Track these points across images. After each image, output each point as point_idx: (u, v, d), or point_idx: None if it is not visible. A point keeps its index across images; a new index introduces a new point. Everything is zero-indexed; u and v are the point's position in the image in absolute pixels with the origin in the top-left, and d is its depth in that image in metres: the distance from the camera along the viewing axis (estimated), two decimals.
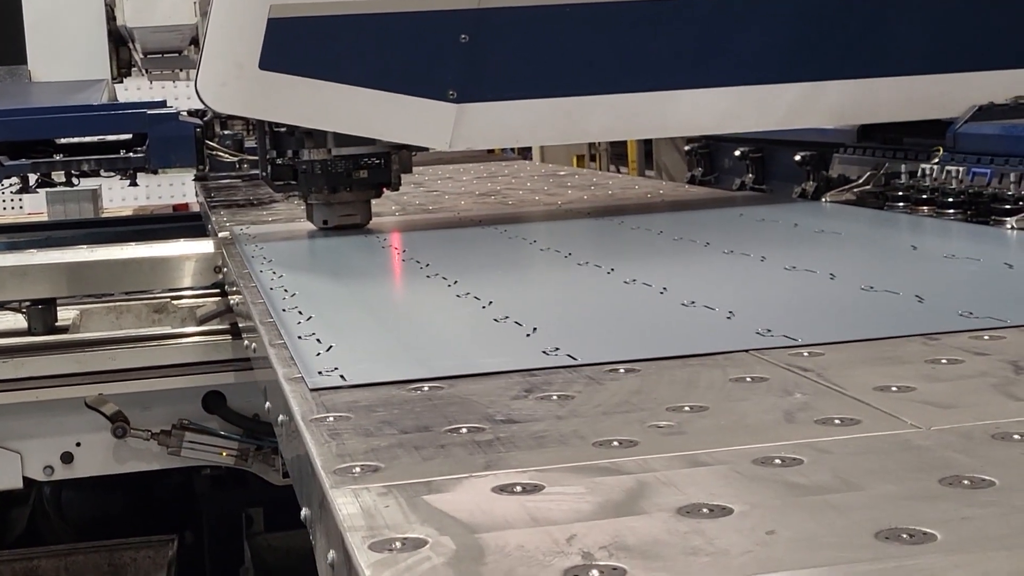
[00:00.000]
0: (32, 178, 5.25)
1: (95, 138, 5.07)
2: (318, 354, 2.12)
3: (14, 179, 5.12)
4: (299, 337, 2.28)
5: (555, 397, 1.76)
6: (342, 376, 1.94)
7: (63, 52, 6.15)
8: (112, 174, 5.19)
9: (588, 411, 1.69)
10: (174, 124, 4.94)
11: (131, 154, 4.95)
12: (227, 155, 5.06)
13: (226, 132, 5.18)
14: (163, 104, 5.19)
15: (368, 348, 2.22)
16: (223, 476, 4.47)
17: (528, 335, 2.20)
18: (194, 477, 4.56)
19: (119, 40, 6.52)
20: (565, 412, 1.68)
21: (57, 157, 4.94)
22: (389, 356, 2.13)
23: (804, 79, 4.02)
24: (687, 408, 1.67)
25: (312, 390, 1.88)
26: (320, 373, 1.97)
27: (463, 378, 1.90)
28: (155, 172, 5.17)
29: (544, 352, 2.03)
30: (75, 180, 5.16)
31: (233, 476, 4.31)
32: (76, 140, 4.99)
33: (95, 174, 5.15)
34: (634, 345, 2.09)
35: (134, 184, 5.29)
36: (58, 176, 5.11)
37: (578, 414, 1.67)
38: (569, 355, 2.00)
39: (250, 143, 5.09)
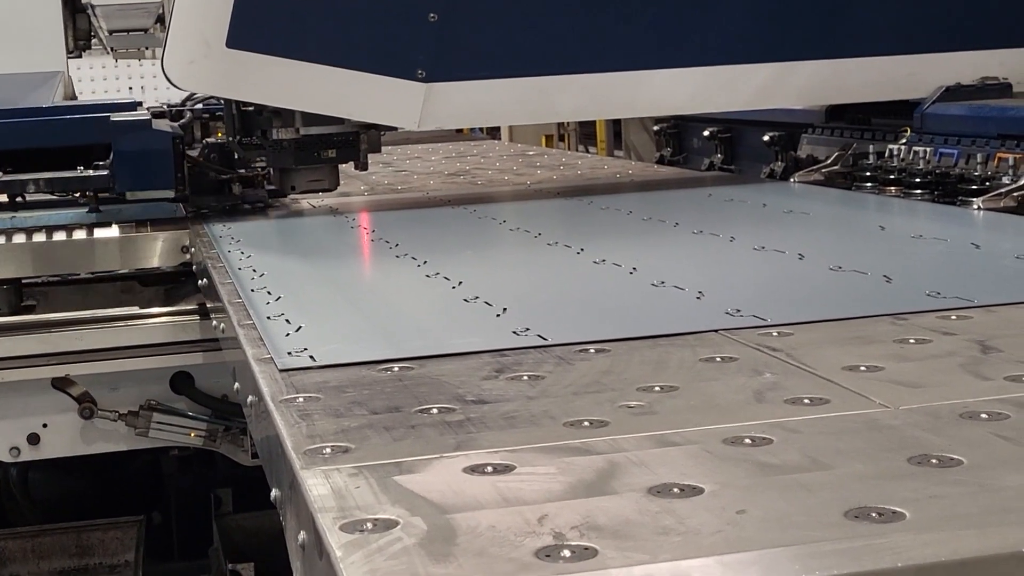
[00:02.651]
0: None
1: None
2: (287, 335, 2.11)
3: None
4: (268, 318, 2.27)
5: (525, 377, 1.76)
6: (311, 357, 1.94)
7: (10, 40, 5.25)
8: (65, 195, 4.05)
9: (558, 391, 1.69)
10: (146, 134, 3.83)
11: (91, 171, 3.85)
12: (215, 172, 4.04)
13: (210, 140, 4.18)
14: (133, 106, 4.06)
15: (337, 328, 2.21)
16: (191, 457, 4.46)
17: (498, 315, 2.20)
18: (161, 458, 4.54)
19: (75, 8, 5.77)
20: (536, 392, 1.68)
21: None
22: (359, 336, 2.13)
23: (773, 59, 4.03)
24: (657, 388, 1.67)
25: (282, 371, 1.87)
26: (289, 354, 1.96)
27: (433, 358, 1.90)
28: (121, 197, 3.91)
29: (514, 332, 2.03)
30: (20, 198, 4.03)
31: (201, 457, 4.30)
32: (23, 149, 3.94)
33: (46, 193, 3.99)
34: (604, 325, 2.09)
35: (96, 211, 3.97)
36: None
37: (549, 394, 1.67)
38: (539, 335, 2.00)
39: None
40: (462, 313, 2.27)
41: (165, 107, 4.94)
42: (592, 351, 1.91)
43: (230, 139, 4.01)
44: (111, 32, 6.99)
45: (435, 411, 1.61)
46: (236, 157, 4.06)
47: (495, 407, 1.62)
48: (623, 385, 1.70)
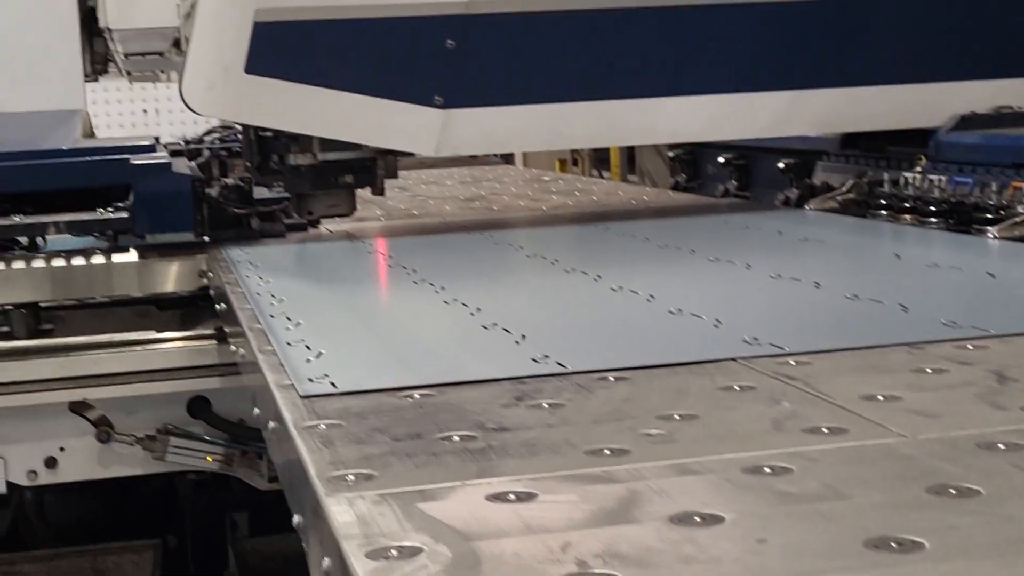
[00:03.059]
0: None
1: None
2: (308, 361, 2.13)
3: None
4: (288, 343, 2.29)
5: (546, 405, 1.78)
6: (332, 383, 1.95)
7: (28, 76, 5.08)
8: (85, 236, 4.03)
9: (579, 419, 1.70)
10: (166, 177, 3.87)
11: (111, 212, 3.84)
12: (235, 209, 4.01)
13: (228, 181, 4.16)
14: (152, 148, 4.05)
15: (358, 355, 2.23)
16: (206, 480, 4.47)
17: (517, 342, 2.21)
18: (177, 481, 4.55)
19: (93, 32, 5.70)
20: (556, 420, 1.70)
21: (16, 218, 3.81)
22: (379, 363, 2.15)
23: (788, 87, 4.04)
24: (677, 416, 1.69)
25: (303, 397, 1.89)
26: (310, 380, 1.98)
27: (454, 385, 1.91)
28: (141, 238, 3.94)
29: (534, 360, 2.05)
30: (41, 241, 4.01)
31: (217, 480, 4.31)
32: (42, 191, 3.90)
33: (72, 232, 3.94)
34: (623, 353, 2.10)
35: (115, 250, 3.94)
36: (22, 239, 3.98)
37: (569, 422, 1.69)
38: (559, 363, 2.01)
39: (260, 193, 4.12)
40: (481, 340, 2.29)
41: (181, 143, 4.98)
42: (611, 379, 1.92)
43: (248, 164, 4.04)
44: (127, 55, 7.02)
45: (456, 438, 1.63)
46: (254, 184, 4.08)
47: (516, 435, 1.63)
48: (643, 413, 1.71)
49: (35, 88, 4.96)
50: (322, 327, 2.47)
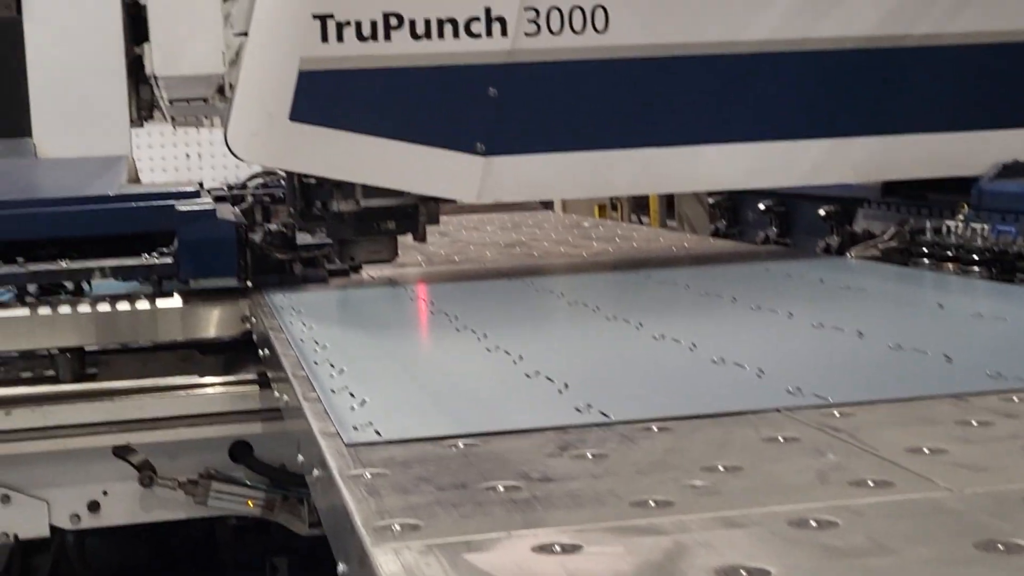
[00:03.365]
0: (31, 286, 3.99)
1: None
2: (352, 408, 2.14)
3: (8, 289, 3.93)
4: (332, 391, 2.30)
5: (590, 455, 1.78)
6: (377, 432, 1.96)
7: (75, 122, 5.07)
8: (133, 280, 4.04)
9: (623, 470, 1.70)
10: (210, 223, 3.88)
11: (155, 258, 3.87)
12: (278, 255, 4.04)
13: (271, 226, 4.18)
14: (196, 194, 4.08)
15: (401, 403, 2.24)
16: (247, 525, 4.48)
17: (560, 391, 2.22)
18: (217, 526, 4.56)
19: (139, 79, 5.69)
20: (600, 471, 1.70)
21: (63, 263, 3.84)
22: (423, 411, 2.15)
23: (828, 135, 4.05)
24: (721, 468, 1.68)
25: (348, 445, 1.90)
26: (355, 428, 1.99)
27: (497, 435, 1.92)
28: (185, 283, 3.94)
29: (577, 409, 2.05)
30: (86, 286, 4.07)
31: (257, 525, 4.32)
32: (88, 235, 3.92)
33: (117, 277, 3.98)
34: (666, 402, 2.11)
35: (159, 295, 3.97)
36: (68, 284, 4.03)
37: (613, 473, 1.69)
38: (602, 412, 2.02)
39: (302, 239, 4.17)
40: (524, 388, 2.29)
41: (225, 188, 5.02)
42: (655, 429, 1.92)
43: (291, 210, 4.07)
44: (172, 101, 7.09)
45: (501, 488, 1.63)
46: (297, 230, 4.12)
47: (561, 485, 1.63)
48: (687, 464, 1.71)
49: (82, 134, 5.00)
50: (365, 374, 2.49)
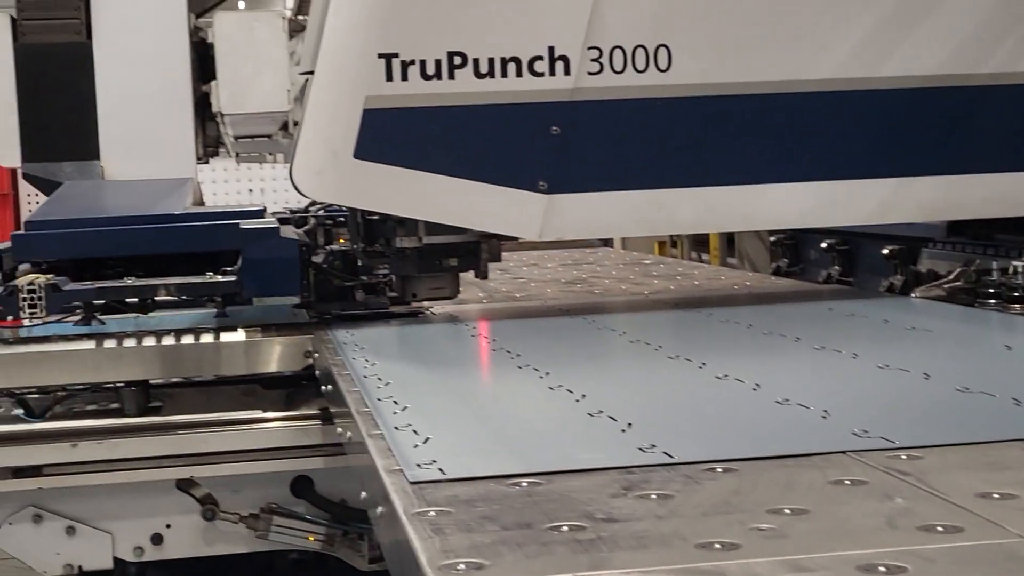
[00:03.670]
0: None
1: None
2: (415, 446, 2.15)
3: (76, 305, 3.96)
4: (396, 428, 2.31)
5: (654, 496, 1.77)
6: (441, 470, 1.97)
7: (142, 145, 5.12)
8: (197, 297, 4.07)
9: (688, 511, 1.70)
10: (274, 242, 3.89)
11: (219, 276, 3.88)
12: (339, 279, 4.13)
13: (333, 247, 4.23)
14: (260, 214, 4.10)
15: (465, 441, 2.24)
16: (307, 559, 4.48)
17: (623, 431, 2.21)
18: (276, 559, 4.57)
19: (206, 116, 5.76)
20: (665, 512, 1.69)
21: (128, 280, 3.87)
22: (486, 449, 2.16)
23: (893, 175, 4.02)
24: (787, 510, 1.67)
25: (412, 483, 1.90)
26: (419, 466, 1.99)
27: (561, 474, 1.92)
28: (248, 303, 4.00)
29: (640, 449, 2.05)
30: (151, 302, 4.06)
31: (317, 559, 4.33)
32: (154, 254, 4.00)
33: (178, 299, 4.02)
34: (730, 443, 2.10)
35: (223, 315, 4.08)
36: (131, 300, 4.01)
37: (678, 514, 1.68)
38: (666, 452, 2.01)
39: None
40: (587, 427, 2.29)
41: (288, 212, 5.04)
42: (719, 470, 1.91)
43: (354, 246, 4.10)
44: (236, 138, 7.18)
45: (565, 528, 1.63)
46: (359, 264, 4.15)
47: (625, 526, 1.63)
48: (752, 506, 1.70)
49: (147, 158, 5.07)
50: (428, 411, 2.49)
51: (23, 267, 3.88)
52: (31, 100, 5.00)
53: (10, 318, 3.69)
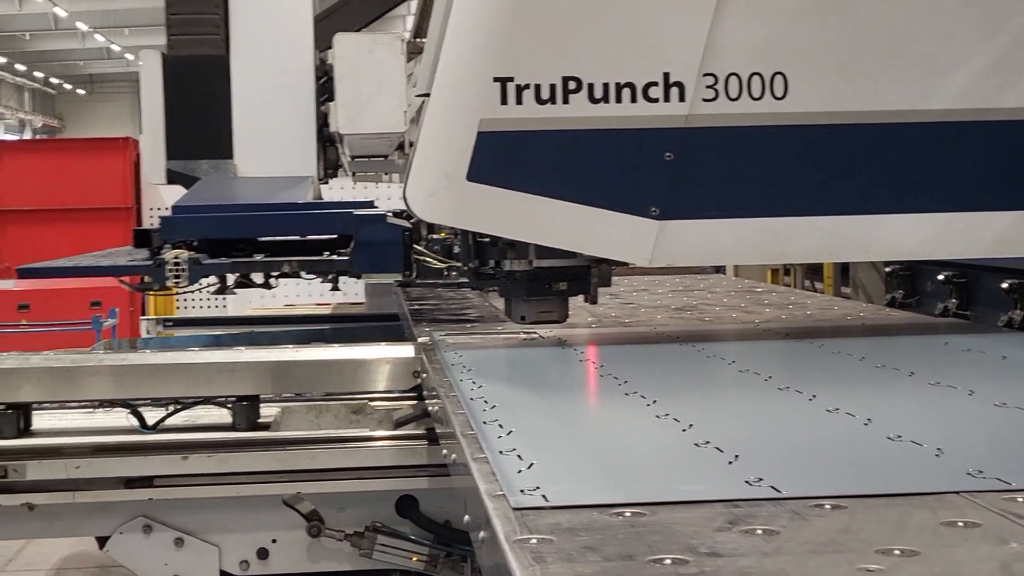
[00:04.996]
0: (231, 278, 4.65)
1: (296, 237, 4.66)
2: (519, 471, 2.14)
3: (212, 279, 4.60)
4: (500, 452, 2.31)
5: (759, 531, 1.75)
6: (544, 496, 1.96)
7: (270, 147, 5.81)
8: (312, 277, 4.65)
9: (794, 548, 1.67)
10: (381, 227, 4.43)
11: (334, 256, 4.45)
12: (436, 262, 4.54)
13: (433, 236, 4.63)
14: (370, 204, 4.72)
15: (568, 467, 2.23)
16: None
17: (730, 463, 2.18)
18: None
19: (328, 141, 6.23)
20: (771, 548, 1.67)
21: (257, 257, 4.46)
22: (590, 477, 2.14)
23: (1014, 207, 3.93)
24: (897, 552, 1.63)
25: (515, 509, 1.90)
26: (522, 492, 1.99)
27: (665, 505, 1.90)
28: (358, 277, 4.60)
29: (747, 482, 2.02)
30: (272, 282, 4.62)
31: None
32: (278, 239, 4.58)
33: (295, 275, 4.63)
34: (839, 479, 2.06)
35: (335, 289, 4.76)
36: (257, 277, 4.59)
37: (784, 551, 1.65)
38: (773, 487, 1.98)
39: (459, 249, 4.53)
40: (693, 458, 2.27)
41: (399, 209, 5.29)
42: (827, 507, 1.88)
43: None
44: (353, 157, 7.30)
45: (668, 561, 1.61)
46: (455, 250, 4.33)
47: (730, 561, 1.61)
48: (861, 546, 1.67)
49: (274, 158, 5.73)
50: (534, 436, 2.49)
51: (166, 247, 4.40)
52: (176, 105, 5.67)
53: (157, 287, 4.34)
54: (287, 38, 5.75)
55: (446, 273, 4.42)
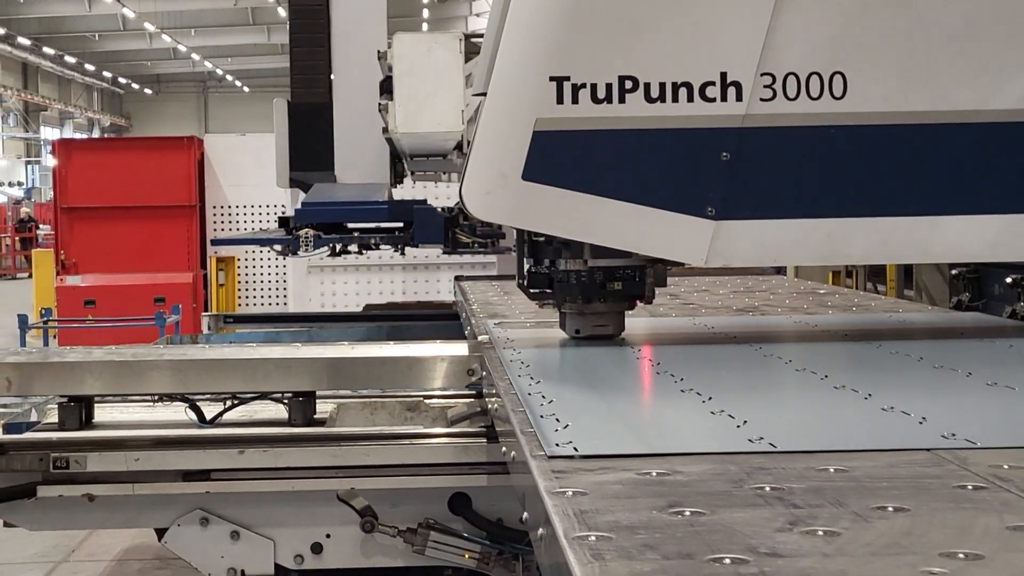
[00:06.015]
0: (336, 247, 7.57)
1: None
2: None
3: (324, 248, 7.52)
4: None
5: (820, 532, 1.73)
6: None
7: (358, 163, 8.37)
8: (388, 247, 7.77)
9: (856, 550, 1.65)
10: (430, 213, 7.50)
11: (401, 234, 7.53)
12: (466, 238, 7.33)
13: (466, 222, 7.26)
14: (424, 201, 7.87)
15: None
16: None
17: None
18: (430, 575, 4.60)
19: (396, 156, 8.23)
20: (831, 550, 1.65)
21: (355, 233, 7.57)
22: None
23: None
24: (961, 555, 1.62)
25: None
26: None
27: (724, 505, 1.88)
28: (416, 246, 7.61)
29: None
30: (362, 252, 7.80)
31: None
32: (363, 225, 7.54)
33: (376, 247, 7.76)
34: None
35: (402, 253, 8.41)
36: (352, 248, 7.62)
37: (845, 553, 1.64)
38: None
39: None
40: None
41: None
42: (890, 509, 1.86)
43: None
44: (412, 157, 7.48)
45: (728, 561, 1.60)
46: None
47: (790, 562, 1.59)
48: (924, 549, 1.65)
49: (362, 172, 8.39)
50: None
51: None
52: (296, 134, 8.56)
53: (291, 252, 7.46)
54: (373, 85, 7.32)
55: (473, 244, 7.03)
